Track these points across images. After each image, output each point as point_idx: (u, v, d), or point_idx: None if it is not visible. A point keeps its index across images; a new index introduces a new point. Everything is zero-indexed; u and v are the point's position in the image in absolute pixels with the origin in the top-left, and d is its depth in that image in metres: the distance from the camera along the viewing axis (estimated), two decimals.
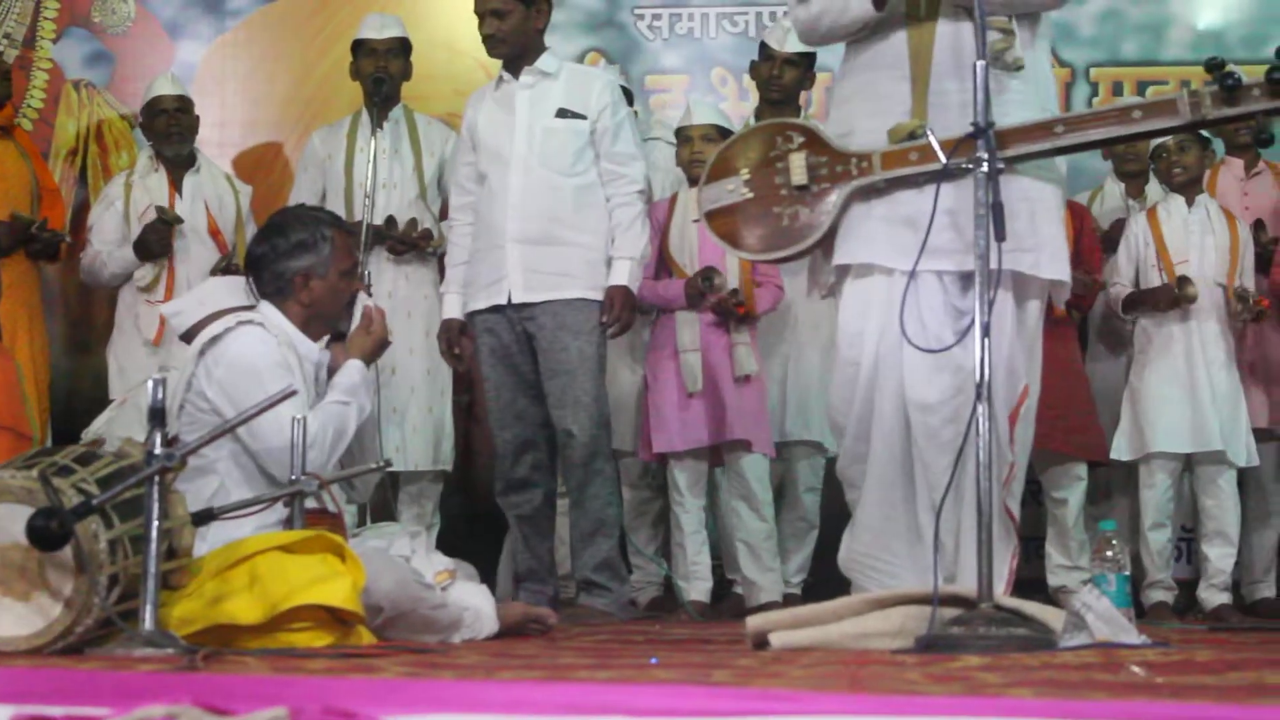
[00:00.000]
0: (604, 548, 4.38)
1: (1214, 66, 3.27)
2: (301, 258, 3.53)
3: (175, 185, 5.13)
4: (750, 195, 3.62)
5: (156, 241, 4.91)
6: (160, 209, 5.02)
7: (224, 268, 4.93)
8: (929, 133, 3.31)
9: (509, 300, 4.30)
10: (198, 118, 5.25)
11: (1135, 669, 2.34)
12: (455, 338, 4.48)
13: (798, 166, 3.53)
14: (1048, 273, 3.35)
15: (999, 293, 3.08)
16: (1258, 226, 4.90)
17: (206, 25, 6.08)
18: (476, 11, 4.46)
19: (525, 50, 4.42)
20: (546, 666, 2.50)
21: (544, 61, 4.44)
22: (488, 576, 3.93)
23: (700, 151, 4.52)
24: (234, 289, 3.93)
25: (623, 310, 4.34)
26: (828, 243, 3.56)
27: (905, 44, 3.47)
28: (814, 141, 3.56)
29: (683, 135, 4.83)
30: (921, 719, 1.59)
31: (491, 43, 4.41)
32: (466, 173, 4.52)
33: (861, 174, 3.47)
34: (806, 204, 3.60)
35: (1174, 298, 4.66)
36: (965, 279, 3.31)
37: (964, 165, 3.12)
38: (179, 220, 4.99)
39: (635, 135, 4.56)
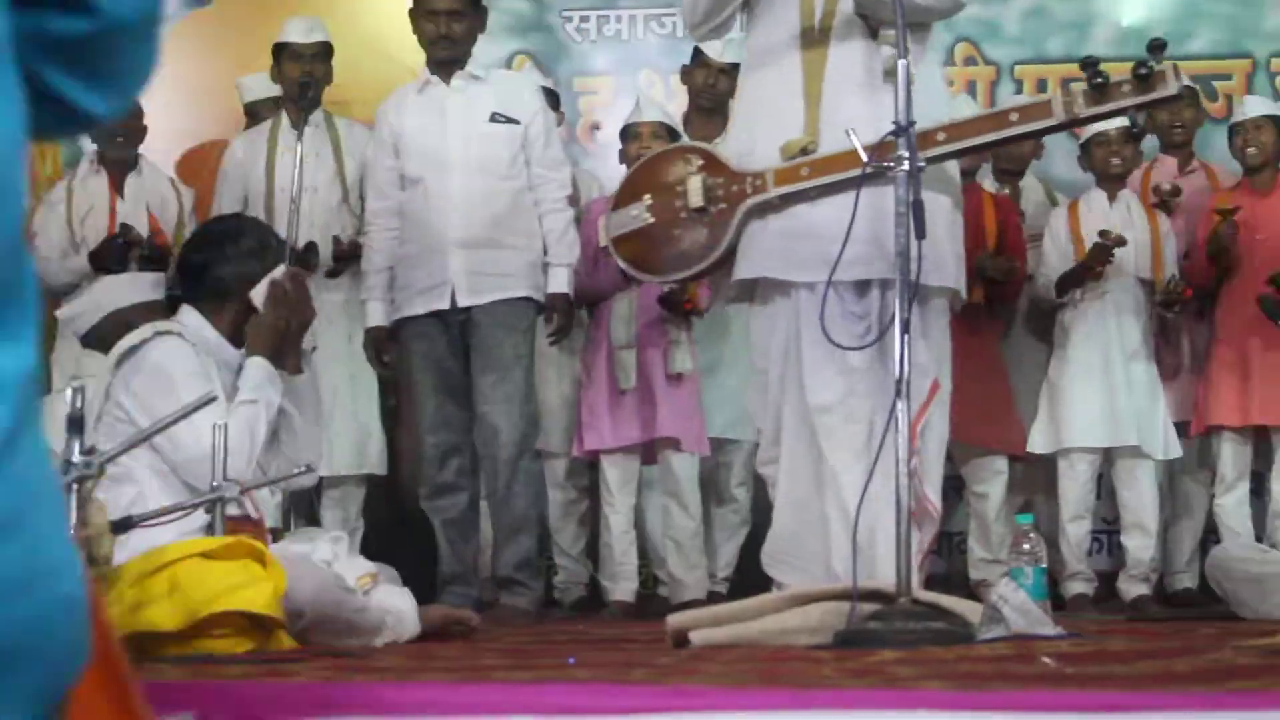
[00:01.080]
0: (526, 545, 4.54)
1: (1086, 65, 3.47)
2: (248, 264, 3.64)
3: (116, 187, 5.23)
4: (652, 220, 3.82)
5: (114, 259, 4.97)
6: (124, 226, 5.10)
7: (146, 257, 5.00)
8: (851, 134, 3.43)
9: (452, 304, 4.44)
10: (146, 126, 5.30)
11: (1046, 660, 2.46)
12: (382, 345, 4.61)
13: (695, 189, 3.72)
14: (934, 280, 3.49)
15: (891, 297, 3.24)
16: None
17: None
18: (427, 10, 4.58)
19: (465, 54, 4.60)
20: (466, 668, 2.58)
21: (474, 66, 4.61)
22: (412, 580, 4.08)
23: (648, 147, 4.60)
24: (137, 285, 4.10)
25: (565, 317, 4.57)
26: (729, 260, 3.74)
27: (799, 66, 3.64)
28: (712, 164, 3.75)
29: (631, 132, 4.99)
30: (832, 713, 1.67)
31: (445, 44, 4.54)
32: (388, 177, 4.63)
33: (756, 192, 3.64)
34: (705, 225, 3.78)
35: (1101, 249, 4.80)
36: (859, 286, 3.50)
37: (885, 165, 3.25)
38: (140, 238, 5.05)
39: (559, 141, 4.80)
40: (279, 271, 3.76)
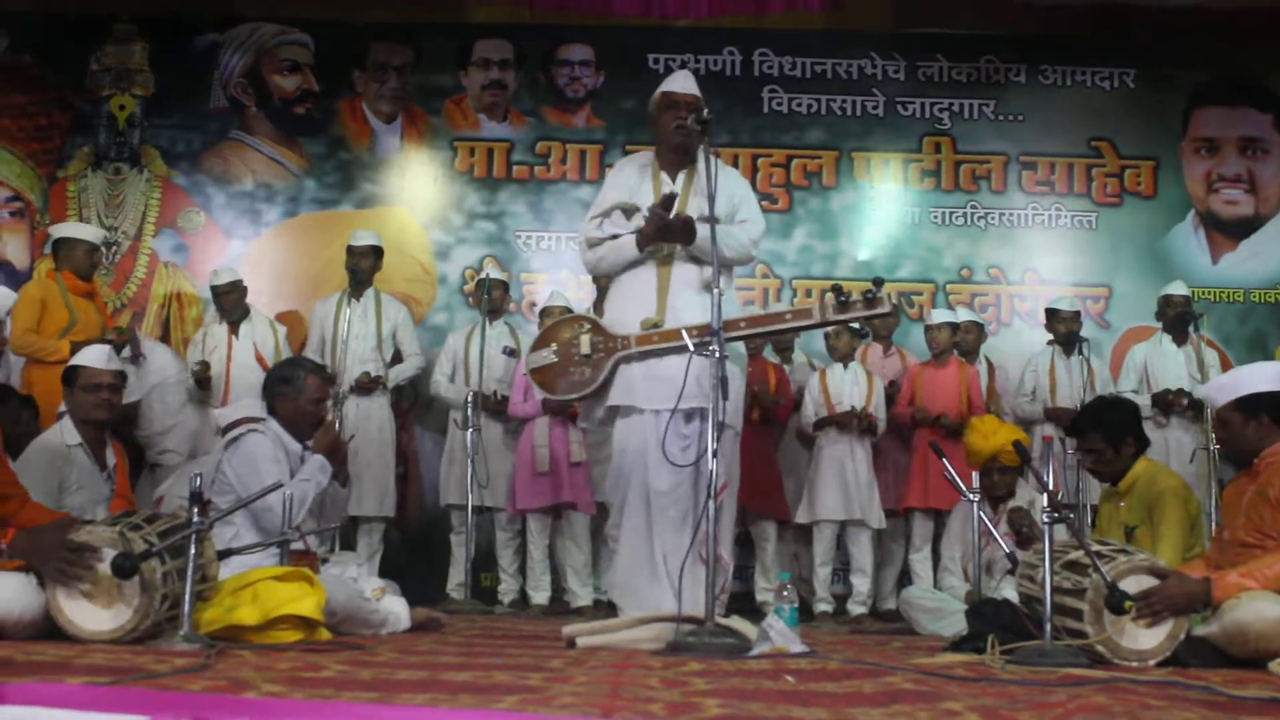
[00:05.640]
0: None
1: (834, 289, 4.26)
2: (283, 387, 4.48)
3: (234, 332, 6.85)
4: (556, 360, 4.53)
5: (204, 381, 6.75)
6: (200, 364, 6.71)
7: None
8: (684, 331, 4.26)
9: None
10: (245, 290, 6.85)
11: (789, 678, 2.72)
12: None
13: (585, 343, 4.45)
14: (729, 421, 4.27)
15: (706, 426, 3.91)
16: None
17: (250, 229, 8.03)
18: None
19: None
20: (426, 665, 2.85)
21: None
22: (409, 582, 4.81)
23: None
24: (256, 403, 4.95)
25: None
26: (603, 391, 4.49)
27: (655, 274, 4.47)
28: (596, 327, 4.47)
29: (545, 311, 6.48)
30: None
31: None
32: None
33: (624, 348, 4.39)
34: (591, 366, 4.46)
35: (846, 417, 6.72)
36: (687, 414, 4.23)
37: (700, 345, 3.92)
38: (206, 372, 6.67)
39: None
40: (331, 419, 4.46)
